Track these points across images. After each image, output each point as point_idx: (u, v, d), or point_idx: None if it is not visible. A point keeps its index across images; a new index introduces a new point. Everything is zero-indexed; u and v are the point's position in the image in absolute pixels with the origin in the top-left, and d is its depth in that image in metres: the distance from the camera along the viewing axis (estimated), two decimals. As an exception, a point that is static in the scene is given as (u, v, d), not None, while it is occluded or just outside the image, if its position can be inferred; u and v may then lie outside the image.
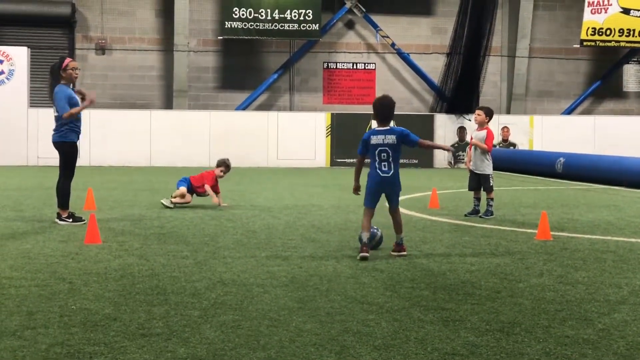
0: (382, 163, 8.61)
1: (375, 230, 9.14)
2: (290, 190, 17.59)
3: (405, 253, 8.77)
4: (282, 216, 12.63)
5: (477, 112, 13.45)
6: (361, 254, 8.49)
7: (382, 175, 8.61)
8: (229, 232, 10.63)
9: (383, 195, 8.79)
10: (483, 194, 13.30)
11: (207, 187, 13.96)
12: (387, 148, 8.59)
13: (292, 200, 15.31)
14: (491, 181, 13.14)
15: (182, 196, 13.71)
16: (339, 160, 28.73)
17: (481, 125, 13.33)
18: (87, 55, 29.39)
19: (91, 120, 26.16)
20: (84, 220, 11.17)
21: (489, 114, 13.35)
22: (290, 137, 28.28)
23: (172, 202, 13.63)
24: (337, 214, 12.92)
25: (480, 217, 12.91)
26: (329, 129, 28.79)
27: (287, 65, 30.43)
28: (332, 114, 29.08)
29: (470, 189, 13.44)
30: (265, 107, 30.10)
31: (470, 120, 29.80)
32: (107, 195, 15.90)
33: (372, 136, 8.69)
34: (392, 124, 8.93)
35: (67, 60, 11.44)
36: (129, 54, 29.80)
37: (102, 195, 15.67)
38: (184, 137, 27.98)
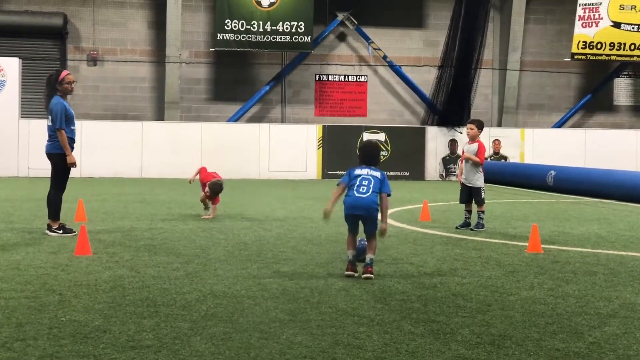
0: (361, 187, 8.33)
1: (363, 243, 8.85)
2: (282, 202, 17.51)
3: (371, 275, 8.22)
4: (273, 228, 12.62)
5: (469, 126, 13.47)
6: (346, 272, 8.33)
7: (357, 195, 8.30)
8: (220, 244, 10.59)
9: None
10: (474, 207, 13.31)
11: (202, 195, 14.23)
12: (370, 178, 8.39)
13: (283, 213, 15.26)
14: (482, 194, 13.14)
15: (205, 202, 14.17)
16: (330, 172, 28.71)
17: (473, 139, 13.35)
18: (78, 67, 29.40)
19: (82, 131, 25.98)
20: (74, 232, 11.15)
21: (480, 126, 13.39)
22: (281, 149, 28.25)
23: (207, 214, 14.08)
24: (329, 226, 12.82)
25: (471, 229, 12.91)
26: (321, 141, 28.80)
27: (279, 77, 30.43)
28: (323, 126, 29.11)
29: (461, 202, 13.45)
30: (256, 119, 30.09)
31: (461, 133, 29.83)
32: (97, 206, 15.83)
33: (357, 169, 8.52)
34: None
35: (64, 73, 11.49)
36: (121, 66, 29.77)
37: (93, 206, 15.60)
38: (176, 148, 27.99)
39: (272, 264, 8.97)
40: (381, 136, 28.97)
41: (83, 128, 26.36)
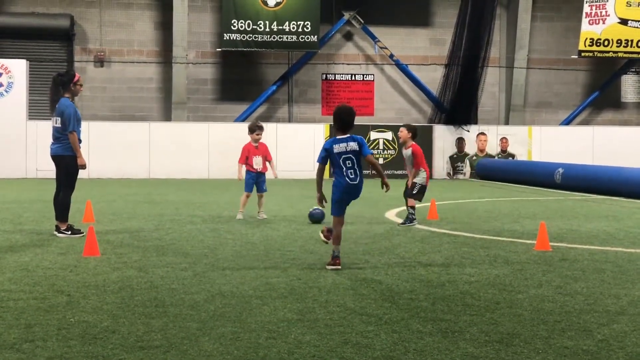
0: (349, 170, 8.61)
1: (318, 210, 10.09)
2: (289, 202, 17.48)
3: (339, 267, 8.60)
4: (281, 228, 12.60)
5: (400, 129, 13.53)
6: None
7: (350, 182, 8.60)
8: (228, 244, 10.57)
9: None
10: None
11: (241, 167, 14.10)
12: (351, 155, 8.61)
13: (291, 212, 15.23)
14: (415, 189, 13.21)
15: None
16: None
17: (405, 143, 13.40)
18: (85, 68, 29.41)
19: (90, 132, 26.02)
20: (82, 233, 11.13)
21: (412, 130, 13.38)
22: (289, 149, 28.17)
23: (259, 214, 13.96)
24: None
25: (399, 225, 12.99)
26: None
27: (285, 76, 30.39)
28: (331, 125, 28.27)
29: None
30: (264, 118, 29.71)
31: (469, 131, 29.80)
32: (106, 207, 15.82)
33: (334, 145, 8.66)
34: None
35: (78, 75, 11.53)
36: (128, 66, 29.81)
37: (101, 207, 15.59)
38: (183, 149, 27.96)
39: (280, 264, 8.94)
40: (388, 135, 28.96)
41: (90, 129, 26.41)
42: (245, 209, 14.05)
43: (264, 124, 25.62)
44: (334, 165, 8.69)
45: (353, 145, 8.59)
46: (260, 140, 14.10)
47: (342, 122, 8.72)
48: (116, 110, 29.90)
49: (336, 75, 30.94)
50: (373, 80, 31.16)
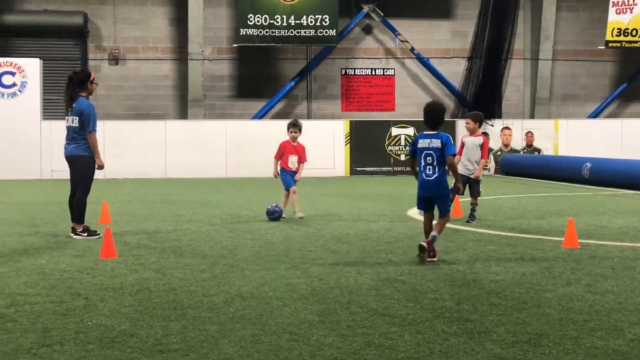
0: (427, 167, 9.01)
1: (275, 207, 11.57)
2: (309, 200, 17.27)
3: (435, 259, 8.89)
4: (300, 227, 12.48)
5: (466, 120, 13.60)
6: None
7: (425, 178, 9.03)
8: (247, 245, 10.50)
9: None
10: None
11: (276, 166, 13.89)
12: (432, 152, 9.00)
13: (311, 211, 15.04)
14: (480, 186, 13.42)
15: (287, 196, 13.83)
16: (358, 169, 28.37)
17: (473, 132, 13.49)
18: (100, 66, 29.22)
19: (105, 131, 25.79)
20: (99, 234, 11.10)
21: (478, 119, 13.51)
22: (308, 146, 26.94)
23: (296, 213, 13.70)
24: (358, 224, 12.82)
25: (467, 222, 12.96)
26: (348, 137, 28.39)
27: (304, 72, 30.07)
28: (351, 122, 28.66)
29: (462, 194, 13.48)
30: (282, 115, 29.45)
31: (492, 125, 29.31)
32: (122, 208, 15.84)
33: (419, 139, 9.16)
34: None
35: (93, 74, 11.53)
36: (143, 64, 29.57)
37: (117, 208, 15.62)
38: (200, 147, 27.70)
39: (300, 264, 8.88)
40: (410, 130, 28.57)
41: (106, 128, 26.27)
42: (285, 206, 13.87)
43: (282, 122, 25.39)
44: (418, 160, 9.16)
45: (436, 143, 9.00)
46: (299, 141, 13.95)
47: (431, 118, 9.16)
48: (131, 108, 29.68)
49: (356, 70, 30.61)
50: (394, 74, 30.81)
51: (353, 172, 28.34)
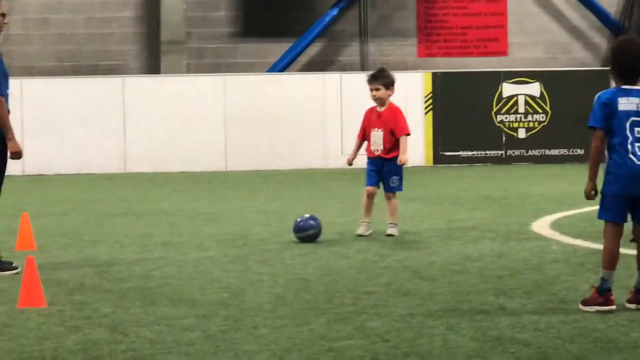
0: (638, 144, 6.45)
1: (313, 222, 9.52)
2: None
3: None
4: (352, 252, 10.33)
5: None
6: (594, 308, 6.37)
7: (636, 163, 6.37)
8: (263, 283, 8.48)
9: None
10: None
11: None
12: None
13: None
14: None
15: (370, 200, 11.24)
16: (447, 153, 21.67)
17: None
18: (11, -12, 23.72)
19: (24, 97, 19.47)
20: (16, 269, 9.16)
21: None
22: (362, 114, 20.68)
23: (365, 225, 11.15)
24: (449, 245, 10.46)
25: None
26: (430, 101, 21.57)
27: (355, -7, 24.06)
28: (433, 74, 21.90)
29: None
30: (319, 65, 23.59)
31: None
32: (53, 224, 13.58)
33: (619, 98, 6.45)
34: None
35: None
36: (84, -16, 23.80)
37: (46, 224, 13.31)
38: (182, 122, 21.17)
39: (353, 316, 6.90)
40: (534, 88, 21.85)
41: (24, 91, 19.98)
42: (370, 216, 11.26)
43: (319, 76, 22.56)
44: (613, 134, 6.43)
45: None
46: (390, 101, 11.14)
47: (628, 64, 6.56)
48: (66, 58, 23.71)
49: (442, -12, 24.83)
50: (506, -6, 25.00)
51: (438, 159, 21.73)
